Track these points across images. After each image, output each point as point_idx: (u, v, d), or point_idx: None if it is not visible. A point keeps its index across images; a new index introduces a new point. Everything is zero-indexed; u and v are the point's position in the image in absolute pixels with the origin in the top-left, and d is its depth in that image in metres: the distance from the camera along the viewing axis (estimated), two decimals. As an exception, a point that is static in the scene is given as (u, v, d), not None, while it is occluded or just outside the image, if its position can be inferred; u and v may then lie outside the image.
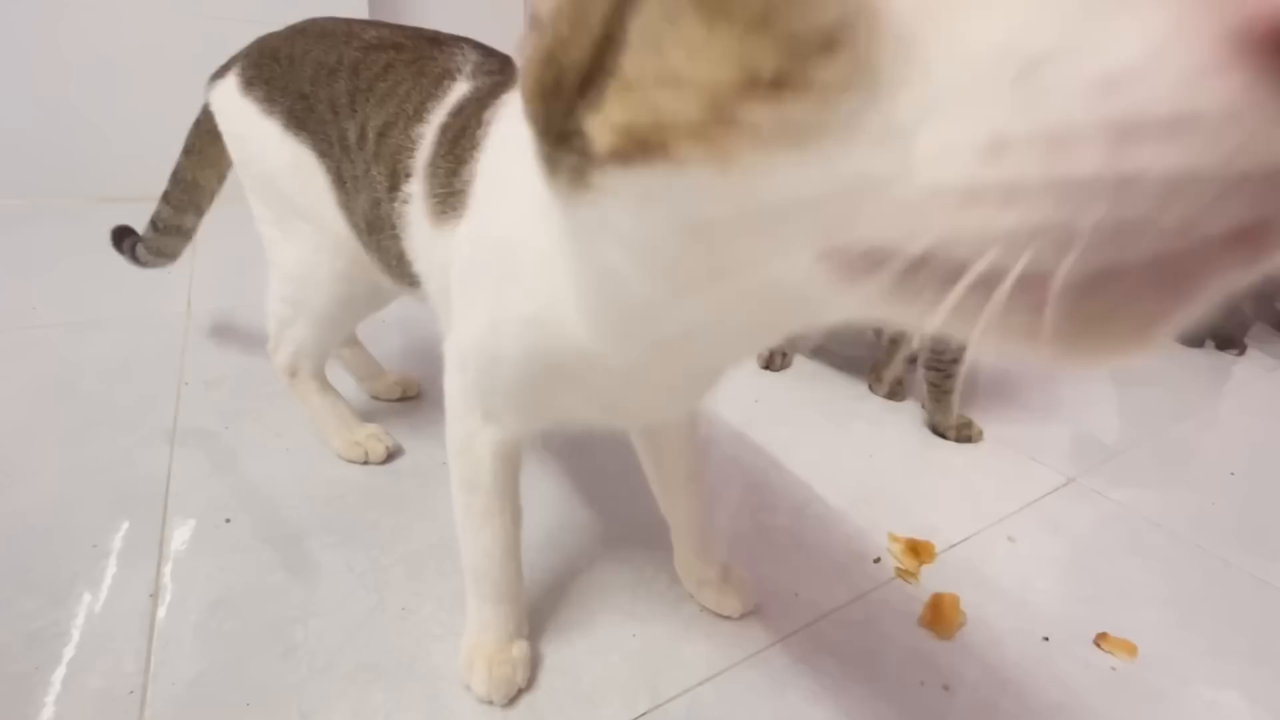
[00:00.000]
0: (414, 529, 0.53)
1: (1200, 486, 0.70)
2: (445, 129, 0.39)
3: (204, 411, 0.65)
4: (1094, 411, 0.84)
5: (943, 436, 0.74)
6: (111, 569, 0.46)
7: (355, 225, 0.47)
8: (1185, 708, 0.44)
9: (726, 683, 0.43)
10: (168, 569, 0.47)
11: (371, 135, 0.43)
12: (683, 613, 0.47)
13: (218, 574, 0.47)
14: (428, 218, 0.39)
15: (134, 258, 0.71)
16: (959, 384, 0.72)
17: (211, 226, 1.02)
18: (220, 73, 0.52)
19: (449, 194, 0.36)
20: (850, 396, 0.81)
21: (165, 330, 0.80)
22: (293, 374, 0.58)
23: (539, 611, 0.46)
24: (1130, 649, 0.47)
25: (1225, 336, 1.08)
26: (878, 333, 0.92)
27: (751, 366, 0.86)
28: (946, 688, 0.44)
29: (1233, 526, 0.63)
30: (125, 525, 0.50)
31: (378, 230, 0.44)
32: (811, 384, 0.84)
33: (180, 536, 0.50)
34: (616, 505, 0.58)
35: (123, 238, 0.71)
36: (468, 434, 0.38)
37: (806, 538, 0.56)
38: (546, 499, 0.57)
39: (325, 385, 0.60)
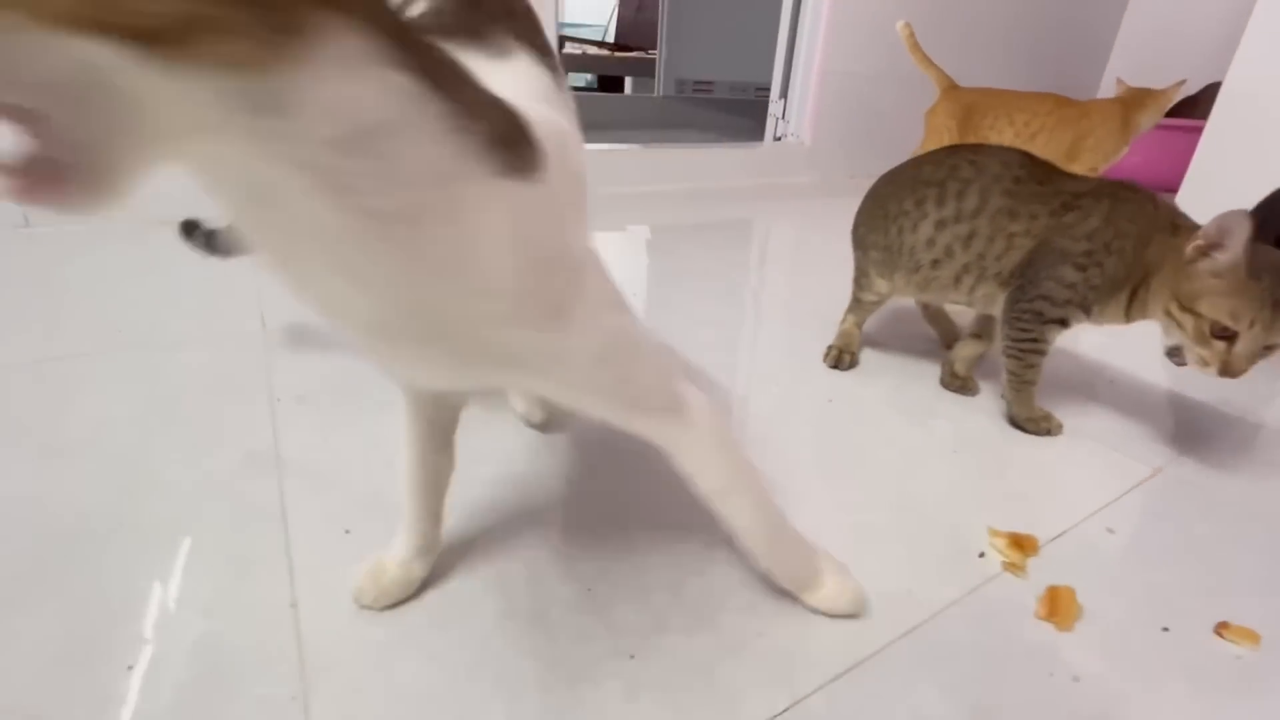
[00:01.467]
0: (527, 534, 0.54)
1: (1289, 473, 0.69)
2: None
3: (301, 426, 0.67)
4: (1168, 402, 0.83)
5: (1022, 430, 0.74)
6: (248, 581, 0.48)
7: None
8: (1318, 694, 0.44)
9: (860, 677, 0.43)
10: (300, 581, 0.48)
11: None
12: (800, 610, 0.48)
13: (348, 581, 0.48)
14: None
15: (209, 246, 0.75)
16: (1040, 375, 0.72)
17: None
18: None
19: None
20: (923, 394, 0.81)
21: (245, 348, 0.82)
22: None
23: (663, 619, 0.47)
24: (1254, 637, 0.47)
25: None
26: (943, 331, 0.92)
27: (820, 367, 0.86)
28: (1076, 679, 0.44)
29: (1330, 512, 0.63)
30: (251, 540, 0.52)
31: None
32: (882, 381, 0.84)
33: (305, 550, 0.51)
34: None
35: (192, 229, 0.76)
36: None
37: (908, 535, 0.57)
38: (653, 505, 0.58)
39: None
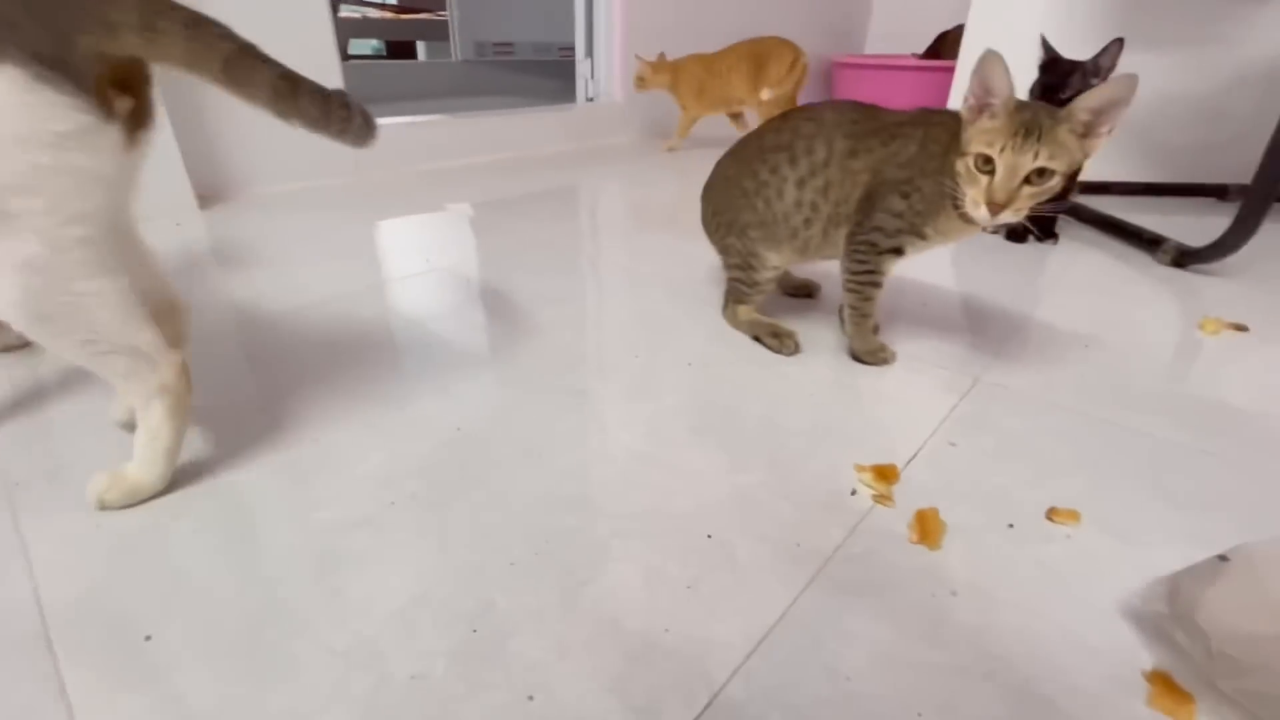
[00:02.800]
0: (388, 585, 0.46)
1: (1068, 362, 0.81)
2: None
3: (56, 511, 0.52)
4: (967, 314, 0.94)
5: (862, 362, 0.78)
6: (6, 743, 0.36)
7: None
8: (1136, 551, 0.51)
9: (769, 649, 0.43)
10: None
11: None
12: (701, 593, 0.47)
13: (164, 707, 0.38)
14: None
15: None
16: (876, 308, 0.77)
17: None
18: None
19: None
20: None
21: (-43, 421, 0.63)
22: None
23: (560, 642, 0.43)
24: (1075, 516, 0.54)
25: (1043, 228, 1.26)
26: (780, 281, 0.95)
27: (674, 331, 0.85)
28: (954, 593, 0.47)
29: (1103, 391, 0.74)
30: (5, 682, 0.39)
31: None
32: (732, 337, 0.85)
33: (88, 679, 0.39)
34: (602, 498, 0.55)
35: None
36: None
37: (786, 488, 0.57)
38: (522, 515, 0.53)
39: None
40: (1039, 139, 0.58)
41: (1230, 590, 0.42)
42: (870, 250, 0.73)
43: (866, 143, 0.72)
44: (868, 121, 0.73)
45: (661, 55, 1.94)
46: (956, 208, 0.67)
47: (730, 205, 0.81)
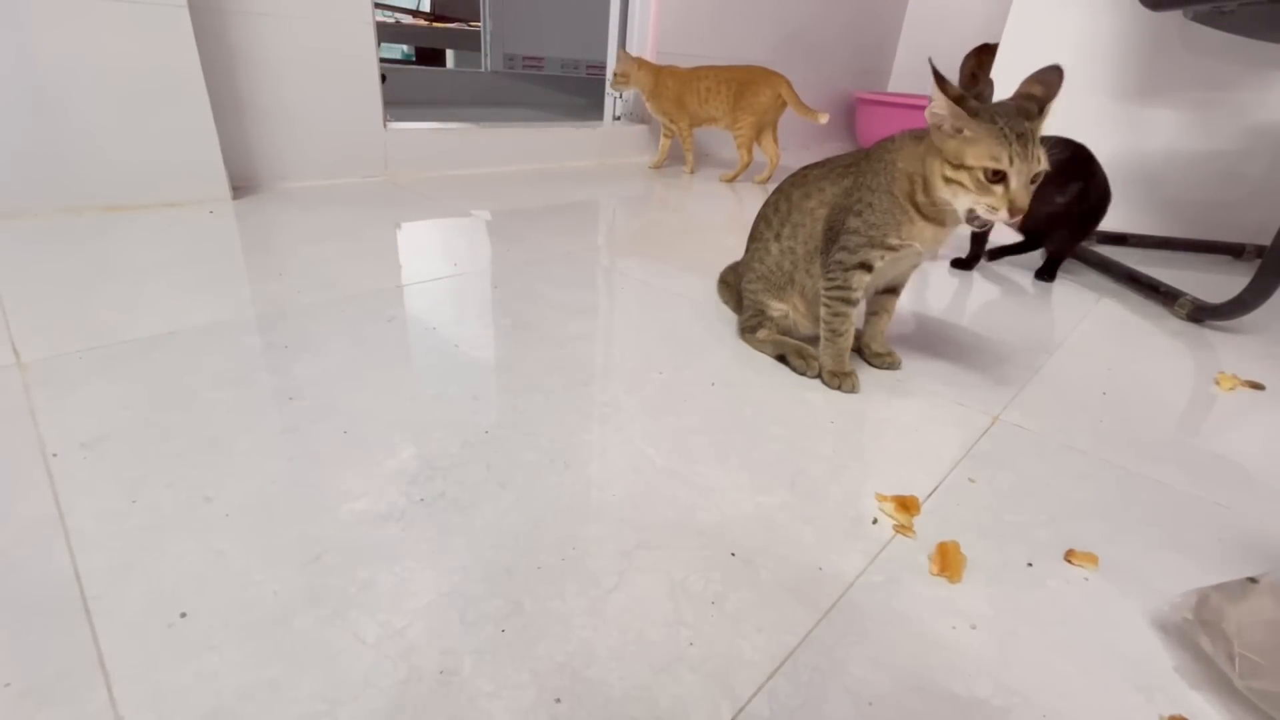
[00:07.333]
0: (418, 580, 0.47)
1: (1085, 407, 0.82)
2: None
3: (93, 485, 0.53)
4: (985, 353, 0.95)
5: (824, 382, 0.81)
6: (45, 712, 0.36)
7: None
8: (1152, 599, 0.52)
9: (793, 668, 0.43)
10: (123, 693, 0.37)
11: None
12: (724, 609, 0.47)
13: (197, 683, 0.38)
14: None
15: None
16: (850, 327, 0.80)
17: (18, 250, 0.84)
18: None
19: None
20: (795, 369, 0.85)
21: (-6, 390, 0.63)
22: None
23: (588, 647, 0.43)
24: (1094, 559, 0.55)
25: (1047, 267, 1.29)
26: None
27: (696, 350, 0.86)
28: (974, 627, 0.48)
29: (1119, 438, 0.75)
30: (43, 649, 0.39)
31: None
32: (756, 359, 0.86)
33: (122, 649, 0.40)
34: (626, 509, 0.56)
35: None
36: None
37: (808, 512, 0.58)
38: (552, 522, 0.54)
39: None
40: (1034, 143, 0.64)
41: (1256, 608, 0.43)
42: (839, 268, 0.77)
43: (818, 184, 0.81)
44: (818, 169, 0.82)
45: (642, 57, 2.00)
46: (922, 214, 0.72)
47: (746, 266, 0.91)
